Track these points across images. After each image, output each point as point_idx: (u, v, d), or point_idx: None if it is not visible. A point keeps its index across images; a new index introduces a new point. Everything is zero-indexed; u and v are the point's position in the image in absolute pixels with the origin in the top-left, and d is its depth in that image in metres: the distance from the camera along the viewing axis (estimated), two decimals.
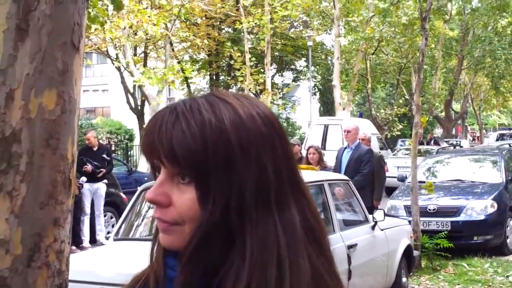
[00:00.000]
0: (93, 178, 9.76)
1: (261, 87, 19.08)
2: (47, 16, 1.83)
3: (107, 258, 4.65)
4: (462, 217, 9.11)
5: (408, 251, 6.70)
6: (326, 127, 17.89)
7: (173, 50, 23.56)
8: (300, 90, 41.17)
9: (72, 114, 1.94)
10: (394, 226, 6.54)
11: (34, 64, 1.80)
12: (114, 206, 10.67)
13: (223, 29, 28.09)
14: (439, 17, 23.90)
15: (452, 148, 21.52)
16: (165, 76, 15.02)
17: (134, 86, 21.74)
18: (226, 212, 0.85)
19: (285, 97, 33.65)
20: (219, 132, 0.85)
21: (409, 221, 7.93)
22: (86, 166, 9.62)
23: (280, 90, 30.43)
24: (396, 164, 17.82)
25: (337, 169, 8.01)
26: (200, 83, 32.17)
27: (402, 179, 11.15)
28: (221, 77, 30.08)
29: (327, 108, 36.68)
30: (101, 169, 9.87)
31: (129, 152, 23.68)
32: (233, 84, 24.39)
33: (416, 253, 7.29)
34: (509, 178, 10.12)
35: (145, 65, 23.34)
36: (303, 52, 30.88)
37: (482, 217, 9.10)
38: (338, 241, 5.07)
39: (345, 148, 8.26)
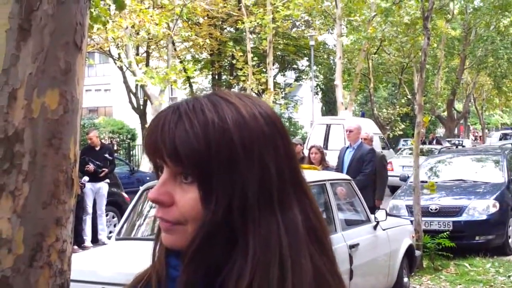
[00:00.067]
0: (95, 177, 9.77)
1: (263, 86, 19.06)
2: (49, 16, 1.83)
3: (109, 257, 4.65)
4: (464, 217, 9.10)
5: (410, 251, 6.70)
6: (328, 127, 17.88)
7: (175, 49, 23.58)
8: (302, 89, 41.16)
9: (75, 114, 1.95)
10: (396, 226, 6.53)
11: (36, 64, 1.80)
12: (116, 205, 10.68)
13: (225, 28, 28.10)
14: (441, 17, 23.88)
15: (454, 147, 21.51)
16: (167, 76, 15.02)
17: (136, 85, 21.75)
18: (229, 211, 0.85)
19: (287, 96, 33.66)
20: (222, 132, 0.85)
21: (411, 221, 7.92)
22: (88, 165, 9.63)
23: (282, 90, 30.42)
24: (401, 163, 17.89)
25: (339, 168, 8.00)
26: (202, 82, 32.20)
27: (404, 178, 11.14)
28: (223, 77, 30.10)
29: (329, 107, 36.67)
30: (103, 169, 9.88)
31: (131, 152, 23.69)
32: (235, 84, 24.38)
33: (418, 253, 7.29)
34: (511, 178, 10.10)
35: (147, 64, 23.37)
36: (305, 52, 30.88)
37: (484, 217, 9.09)
38: (340, 240, 5.07)
39: (347, 147, 8.25)
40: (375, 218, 5.94)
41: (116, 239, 5.07)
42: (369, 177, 7.86)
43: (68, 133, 1.91)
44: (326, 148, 13.58)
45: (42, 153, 1.82)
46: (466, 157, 11.57)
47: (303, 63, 35.09)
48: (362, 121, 16.75)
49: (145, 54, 25.49)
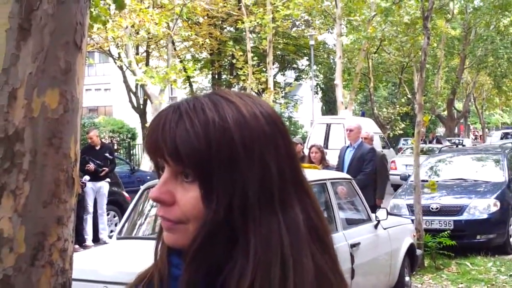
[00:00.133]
0: (95, 177, 9.77)
1: (263, 86, 19.07)
2: (49, 15, 1.83)
3: (110, 257, 4.65)
4: (465, 216, 9.10)
5: (411, 250, 6.69)
6: (328, 126, 17.88)
7: (175, 49, 23.58)
8: (302, 89, 41.17)
9: (75, 113, 1.95)
10: (397, 225, 6.53)
11: (36, 63, 1.80)
12: (117, 205, 10.68)
13: (225, 28, 28.10)
14: (441, 16, 23.87)
15: (454, 147, 21.52)
16: (167, 75, 15.03)
17: (136, 85, 21.75)
18: (230, 211, 0.85)
19: (287, 96, 33.67)
20: (223, 131, 0.85)
21: (412, 220, 7.91)
22: (89, 165, 9.62)
23: (282, 89, 30.41)
24: (404, 162, 17.90)
25: (339, 168, 8.00)
26: (202, 82, 32.19)
27: (404, 178, 11.14)
28: (223, 76, 30.10)
29: (329, 107, 36.67)
30: (104, 168, 9.88)
31: (131, 151, 23.71)
32: (235, 83, 24.39)
33: (419, 252, 7.28)
34: None
35: (147, 64, 23.37)
36: (305, 51, 30.88)
37: (485, 216, 9.08)
38: (341, 240, 5.07)
39: (348, 147, 8.25)
40: (376, 217, 5.94)
41: (117, 238, 5.07)
42: (370, 176, 7.86)
43: (68, 133, 1.91)
44: (326, 148, 13.57)
45: (42, 152, 1.82)
46: (466, 156, 11.57)
47: (303, 63, 35.10)
48: (362, 121, 16.74)
49: (145, 54, 25.49)
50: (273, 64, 22.60)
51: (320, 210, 0.95)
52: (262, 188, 0.86)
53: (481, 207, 9.17)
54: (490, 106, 50.33)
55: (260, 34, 21.23)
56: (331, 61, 32.34)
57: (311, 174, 5.41)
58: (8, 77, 1.77)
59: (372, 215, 5.97)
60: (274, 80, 24.44)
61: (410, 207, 9.13)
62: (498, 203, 9.21)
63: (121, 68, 22.87)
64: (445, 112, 33.81)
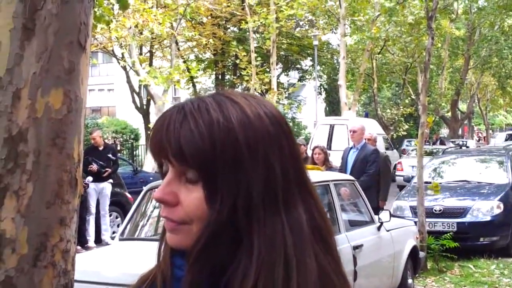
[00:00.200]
0: (98, 177, 9.77)
1: (266, 86, 19.05)
2: (53, 15, 1.83)
3: (112, 258, 4.65)
4: (468, 218, 9.08)
5: (414, 252, 6.68)
6: (331, 127, 17.88)
7: (178, 49, 23.59)
8: (305, 89, 41.15)
9: (79, 114, 1.94)
10: (400, 227, 6.52)
11: (40, 63, 1.80)
12: (119, 206, 10.68)
13: (229, 28, 28.10)
14: (445, 17, 23.86)
15: (458, 148, 21.49)
16: (171, 76, 15.02)
17: (140, 85, 21.77)
18: (234, 211, 0.85)
19: (291, 96, 33.63)
20: (227, 132, 0.85)
21: (415, 222, 7.90)
22: (92, 165, 9.63)
23: (285, 90, 30.38)
24: (411, 164, 17.86)
25: (342, 169, 7.99)
26: (206, 82, 32.19)
27: (407, 179, 11.12)
28: (227, 77, 30.09)
29: (333, 108, 36.66)
30: (107, 169, 9.88)
31: (134, 152, 23.73)
32: (238, 84, 24.37)
33: (422, 254, 7.27)
34: None
35: (150, 64, 23.39)
36: (308, 52, 30.86)
37: (488, 218, 9.06)
38: (343, 241, 5.06)
39: (351, 148, 8.25)
40: (379, 219, 5.93)
41: (120, 240, 5.07)
42: (373, 178, 7.85)
43: (72, 133, 1.90)
44: (330, 149, 13.55)
45: (46, 152, 1.81)
46: (470, 158, 11.54)
47: (306, 63, 35.08)
48: (366, 122, 16.76)
49: (148, 54, 25.50)
50: (277, 64, 22.61)
51: (324, 210, 0.95)
52: (266, 188, 0.86)
53: (485, 209, 9.15)
54: (494, 107, 50.32)
55: (263, 34, 21.19)
56: (335, 61, 32.31)
57: (314, 175, 5.40)
58: (12, 77, 1.76)
59: (375, 217, 5.96)
60: (278, 80, 24.45)
61: (413, 209, 9.11)
62: (502, 205, 9.18)
63: (124, 68, 22.90)
64: (449, 113, 33.79)
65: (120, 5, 5.62)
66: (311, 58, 31.60)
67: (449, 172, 10.89)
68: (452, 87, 32.94)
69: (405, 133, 32.27)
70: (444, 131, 43.82)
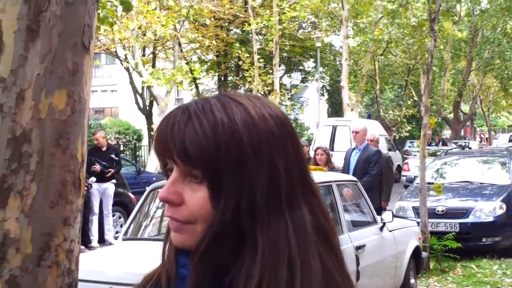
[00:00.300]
0: (101, 178, 9.79)
1: (269, 88, 19.04)
2: (57, 17, 1.84)
3: (116, 257, 4.66)
4: (470, 219, 9.07)
5: (416, 252, 6.68)
6: (334, 128, 17.88)
7: (181, 51, 23.61)
8: (308, 91, 41.13)
9: (82, 114, 1.95)
10: (402, 228, 6.52)
11: (44, 64, 1.81)
12: (122, 206, 10.70)
13: (232, 30, 28.11)
14: (448, 19, 23.81)
15: (460, 149, 21.46)
16: (174, 77, 15.04)
17: (143, 86, 21.80)
18: (238, 212, 0.86)
19: (294, 98, 33.66)
20: (231, 132, 0.86)
21: (418, 223, 7.90)
22: (95, 166, 9.65)
23: (288, 91, 30.41)
24: (417, 164, 17.89)
25: (345, 170, 8.00)
26: (209, 84, 32.23)
27: (410, 180, 11.12)
28: (230, 78, 30.10)
29: (335, 109, 36.67)
30: (110, 169, 9.90)
31: (137, 152, 23.75)
32: (241, 85, 24.39)
33: (424, 254, 7.27)
34: None
35: (153, 65, 23.41)
36: (311, 53, 30.84)
37: (490, 219, 9.06)
38: (346, 242, 5.06)
39: (354, 149, 8.25)
40: (381, 219, 5.93)
41: (123, 239, 5.08)
42: (375, 179, 7.86)
43: (75, 134, 1.91)
44: (332, 150, 13.57)
45: (49, 153, 1.82)
46: (472, 159, 11.53)
47: (309, 65, 35.06)
48: (368, 123, 16.74)
49: (151, 55, 25.54)
50: (279, 66, 22.58)
51: (327, 211, 0.95)
52: (270, 189, 0.87)
53: (487, 210, 9.14)
54: (497, 109, 50.14)
55: (266, 36, 21.20)
56: (337, 63, 32.31)
57: (317, 176, 5.40)
58: (16, 78, 1.77)
59: (378, 217, 5.96)
60: (280, 82, 24.42)
61: (415, 210, 9.11)
62: (504, 206, 9.18)
63: (127, 69, 22.93)
64: (452, 115, 33.73)
65: (123, 7, 5.64)
66: (313, 60, 31.58)
67: (452, 173, 10.88)
68: (454, 88, 32.88)
69: (407, 134, 32.26)
70: (447, 133, 43.77)
